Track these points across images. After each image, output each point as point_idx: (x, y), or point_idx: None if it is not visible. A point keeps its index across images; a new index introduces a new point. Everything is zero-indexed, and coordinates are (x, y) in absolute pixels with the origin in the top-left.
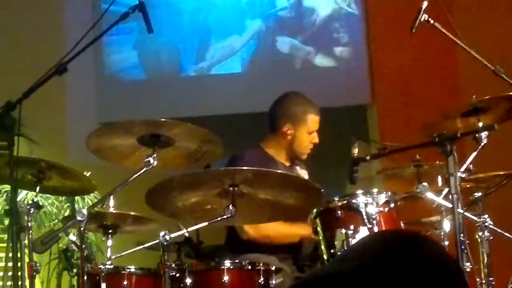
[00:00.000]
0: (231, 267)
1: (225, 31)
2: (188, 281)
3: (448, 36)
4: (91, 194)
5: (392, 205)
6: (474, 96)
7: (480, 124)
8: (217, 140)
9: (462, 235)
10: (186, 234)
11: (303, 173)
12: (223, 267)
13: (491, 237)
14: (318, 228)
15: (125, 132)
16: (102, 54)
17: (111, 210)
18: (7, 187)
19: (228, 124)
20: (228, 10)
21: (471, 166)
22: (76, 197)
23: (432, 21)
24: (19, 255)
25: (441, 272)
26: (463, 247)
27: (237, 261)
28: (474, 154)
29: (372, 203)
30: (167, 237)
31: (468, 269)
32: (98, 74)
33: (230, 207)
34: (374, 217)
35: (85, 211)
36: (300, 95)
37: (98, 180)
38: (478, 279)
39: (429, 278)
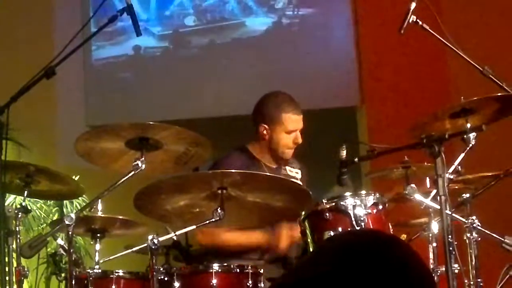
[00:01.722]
0: (220, 270)
1: None
2: (177, 284)
3: (437, 38)
4: (80, 198)
5: (381, 207)
6: (462, 97)
7: (468, 125)
8: (205, 143)
9: (450, 236)
10: (175, 238)
11: (295, 173)
12: (211, 270)
13: (479, 239)
14: (307, 231)
15: (113, 136)
16: (90, 57)
17: (99, 214)
18: None
19: (216, 126)
20: None
21: (459, 167)
22: (65, 201)
23: (420, 23)
24: (7, 259)
25: (411, 278)
26: (451, 248)
27: (225, 264)
28: (462, 155)
29: (360, 205)
30: (155, 241)
31: (456, 271)
32: (87, 77)
33: (219, 210)
34: (362, 219)
35: (73, 215)
36: (278, 95)
37: (86, 184)
38: (466, 281)
39: (398, 284)
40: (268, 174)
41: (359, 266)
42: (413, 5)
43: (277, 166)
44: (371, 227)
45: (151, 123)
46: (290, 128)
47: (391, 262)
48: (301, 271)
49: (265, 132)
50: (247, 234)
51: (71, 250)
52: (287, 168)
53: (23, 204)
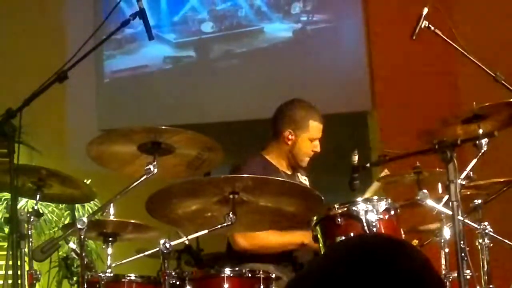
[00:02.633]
0: (231, 274)
1: None
2: None
3: (449, 43)
4: (91, 202)
5: (392, 212)
6: (474, 103)
7: (480, 131)
8: (217, 148)
9: (462, 242)
10: (186, 242)
11: (303, 179)
12: (223, 275)
13: (491, 244)
14: (318, 236)
15: (126, 140)
16: (102, 61)
17: (111, 218)
18: (7, 195)
19: (228, 131)
20: None
21: (471, 173)
22: (76, 205)
23: (432, 28)
24: (19, 263)
25: (422, 284)
26: (463, 254)
27: (237, 268)
28: (474, 161)
29: (372, 211)
30: (167, 245)
31: (468, 277)
32: (99, 81)
33: (230, 214)
34: (374, 224)
35: (85, 219)
36: (304, 102)
37: (98, 187)
38: (478, 287)
39: None
40: (279, 178)
41: (370, 271)
42: (426, 10)
43: (292, 172)
44: (383, 232)
45: (163, 127)
46: (315, 136)
47: (403, 267)
48: (312, 273)
49: (290, 136)
50: (289, 234)
51: (83, 254)
52: (298, 174)
53: (35, 207)
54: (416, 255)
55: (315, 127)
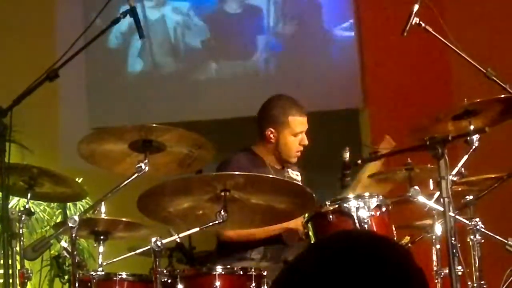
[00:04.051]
0: (223, 272)
1: None
2: (180, 286)
3: (440, 39)
4: (83, 200)
5: (384, 209)
6: (465, 99)
7: (471, 127)
8: (208, 145)
9: (453, 238)
10: (178, 240)
11: (295, 175)
12: (214, 273)
13: (483, 241)
14: (310, 233)
15: (117, 138)
16: (93, 59)
17: (103, 216)
18: None
19: (219, 128)
20: None
21: (462, 169)
22: (68, 204)
23: (423, 25)
24: (10, 262)
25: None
26: (454, 250)
27: (228, 266)
28: (465, 157)
29: (363, 207)
30: (158, 243)
31: (459, 273)
32: (89, 79)
33: (222, 212)
34: (365, 221)
35: (76, 218)
36: (283, 98)
37: (89, 186)
38: (469, 283)
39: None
40: (271, 176)
41: (355, 268)
42: (416, 7)
43: (282, 167)
44: (374, 229)
45: (154, 125)
46: (297, 130)
47: (387, 262)
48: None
49: (272, 136)
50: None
51: (75, 253)
52: (289, 170)
53: (27, 206)
54: (399, 250)
55: (295, 122)
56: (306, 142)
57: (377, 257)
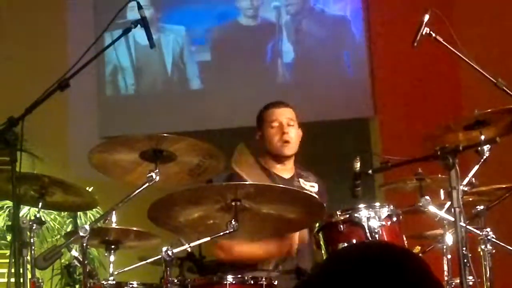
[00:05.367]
0: (234, 282)
1: None
2: None
3: (450, 49)
4: (94, 210)
5: (395, 219)
6: (476, 110)
7: (482, 137)
8: (219, 155)
9: (464, 248)
10: (189, 249)
11: (309, 186)
12: (225, 282)
13: (494, 251)
14: (321, 242)
15: (128, 147)
16: (103, 69)
17: (114, 225)
18: (10, 203)
19: (230, 138)
20: None
21: (473, 179)
22: (79, 213)
23: (434, 35)
24: (21, 271)
25: None
26: (465, 260)
27: (239, 276)
28: (476, 167)
29: (374, 217)
30: (169, 252)
31: (470, 283)
32: (100, 88)
33: (233, 222)
34: (376, 231)
35: (87, 227)
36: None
37: (100, 195)
38: None
39: None
40: (282, 186)
41: (376, 281)
42: (427, 17)
43: (291, 177)
44: (385, 239)
45: (165, 135)
46: (271, 119)
47: (408, 277)
48: (317, 281)
49: (258, 137)
50: (263, 246)
51: (85, 262)
52: (301, 180)
53: (38, 215)
54: (419, 263)
55: (268, 113)
56: (286, 130)
57: (399, 267)
